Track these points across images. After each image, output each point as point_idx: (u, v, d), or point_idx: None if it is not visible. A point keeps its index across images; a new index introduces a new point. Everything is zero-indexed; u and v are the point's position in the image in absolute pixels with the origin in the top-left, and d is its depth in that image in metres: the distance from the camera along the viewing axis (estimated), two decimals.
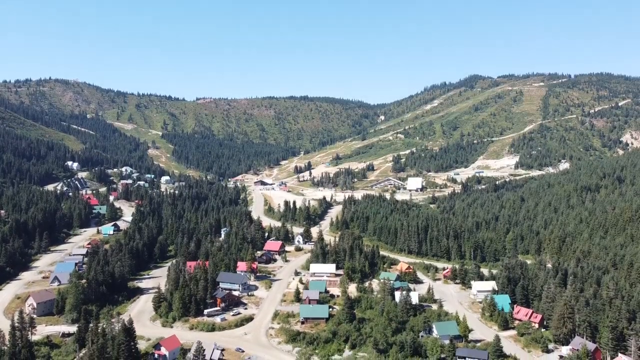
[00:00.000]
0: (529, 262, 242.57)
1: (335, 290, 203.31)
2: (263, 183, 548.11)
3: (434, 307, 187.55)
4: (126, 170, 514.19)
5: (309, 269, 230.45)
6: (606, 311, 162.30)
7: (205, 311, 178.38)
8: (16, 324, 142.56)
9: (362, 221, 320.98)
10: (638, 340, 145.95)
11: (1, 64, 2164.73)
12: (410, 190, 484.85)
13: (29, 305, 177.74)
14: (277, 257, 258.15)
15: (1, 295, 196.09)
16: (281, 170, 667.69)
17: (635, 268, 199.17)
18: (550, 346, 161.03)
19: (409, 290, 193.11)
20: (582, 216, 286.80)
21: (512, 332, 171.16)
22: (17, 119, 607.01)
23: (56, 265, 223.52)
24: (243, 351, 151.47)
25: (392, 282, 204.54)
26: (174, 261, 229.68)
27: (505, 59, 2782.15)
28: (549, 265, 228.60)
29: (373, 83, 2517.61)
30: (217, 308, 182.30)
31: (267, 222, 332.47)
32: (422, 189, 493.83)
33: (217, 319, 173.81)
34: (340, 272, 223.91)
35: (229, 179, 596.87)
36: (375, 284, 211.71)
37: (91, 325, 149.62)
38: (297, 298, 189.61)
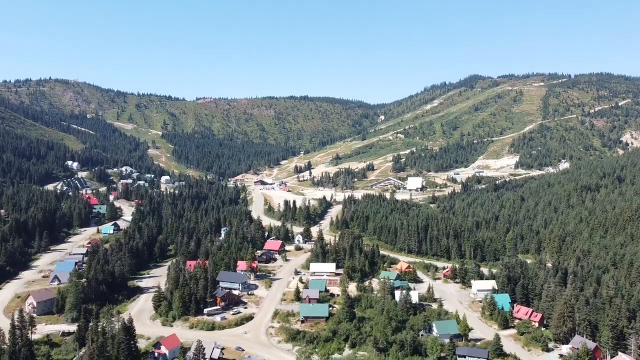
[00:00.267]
0: (529, 261, 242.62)
1: (335, 290, 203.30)
2: (263, 183, 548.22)
3: (434, 306, 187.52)
4: (126, 170, 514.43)
5: (309, 268, 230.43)
6: (606, 310, 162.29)
7: (205, 310, 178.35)
8: (16, 323, 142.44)
9: (362, 221, 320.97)
10: (638, 339, 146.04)
11: (1, 64, 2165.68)
12: (410, 190, 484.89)
13: (29, 304, 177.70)
14: (277, 256, 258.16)
15: (1, 295, 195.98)
16: (281, 170, 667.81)
17: (635, 267, 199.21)
18: (550, 345, 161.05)
19: (408, 289, 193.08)
20: (582, 215, 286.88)
21: (512, 331, 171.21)
22: (17, 118, 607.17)
23: (56, 264, 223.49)
24: (243, 350, 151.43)
25: (392, 281, 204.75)
26: (174, 260, 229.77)
27: (505, 59, 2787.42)
28: (549, 265, 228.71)
29: (373, 83, 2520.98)
30: (217, 307, 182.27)
31: (267, 221, 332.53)
32: (422, 188, 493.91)
33: (217, 318, 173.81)
34: (340, 271, 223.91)
35: (229, 179, 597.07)
36: (375, 283, 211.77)
37: (91, 324, 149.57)
38: (297, 297, 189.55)
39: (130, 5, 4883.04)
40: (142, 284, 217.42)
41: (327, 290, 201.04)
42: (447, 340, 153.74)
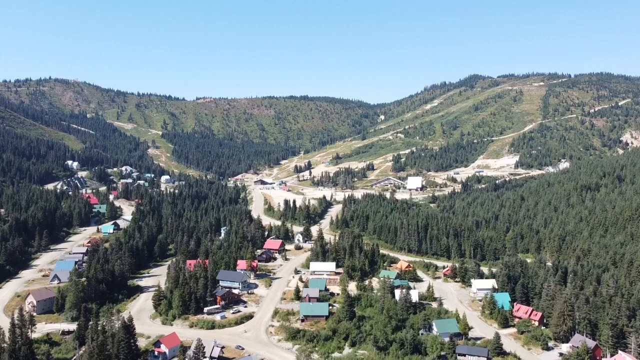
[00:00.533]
0: (528, 260, 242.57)
1: (335, 289, 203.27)
2: (263, 182, 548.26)
3: (434, 305, 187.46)
4: (126, 169, 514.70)
5: (309, 268, 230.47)
6: (606, 309, 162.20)
7: (205, 309, 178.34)
8: (16, 322, 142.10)
9: (362, 220, 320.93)
10: (638, 337, 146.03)
11: (1, 63, 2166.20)
12: (410, 190, 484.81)
13: (29, 303, 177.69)
14: (277, 255, 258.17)
15: (1, 293, 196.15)
16: (281, 169, 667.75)
17: (635, 266, 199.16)
18: (550, 344, 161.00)
19: (408, 288, 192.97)
20: (582, 215, 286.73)
21: (512, 330, 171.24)
22: (17, 118, 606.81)
23: (56, 263, 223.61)
24: (243, 349, 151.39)
25: (392, 280, 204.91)
26: (173, 259, 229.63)
27: (505, 58, 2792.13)
28: (549, 264, 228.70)
29: (373, 83, 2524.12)
30: (217, 306, 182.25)
31: (267, 221, 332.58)
32: (422, 188, 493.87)
33: (217, 317, 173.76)
34: (340, 270, 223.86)
35: (229, 179, 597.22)
36: (375, 282, 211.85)
37: (91, 322, 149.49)
38: (297, 296, 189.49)
39: (130, 5, 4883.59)
40: (142, 283, 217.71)
41: (327, 289, 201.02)
42: (447, 339, 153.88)
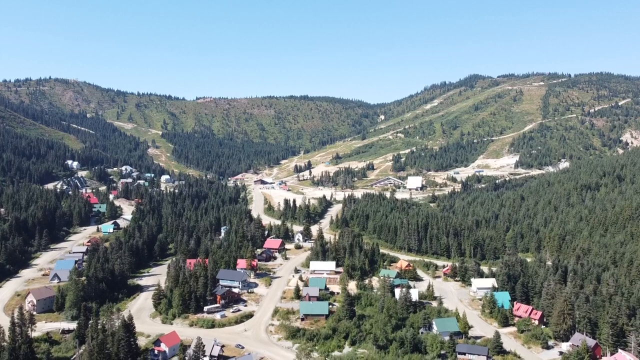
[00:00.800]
0: (528, 260, 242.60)
1: (335, 288, 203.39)
2: (263, 182, 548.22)
3: (434, 304, 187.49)
4: (126, 169, 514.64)
5: (308, 267, 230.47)
6: (606, 307, 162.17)
7: (205, 308, 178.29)
8: (16, 321, 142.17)
9: (362, 219, 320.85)
10: (638, 336, 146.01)
11: (1, 63, 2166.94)
12: (410, 189, 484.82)
13: (29, 302, 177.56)
14: (277, 255, 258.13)
15: (1, 293, 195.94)
16: (281, 169, 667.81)
17: (635, 265, 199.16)
18: (550, 342, 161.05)
19: (408, 287, 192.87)
20: (582, 214, 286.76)
21: (512, 329, 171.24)
22: (17, 118, 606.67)
23: (56, 262, 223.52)
24: (243, 347, 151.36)
25: (392, 279, 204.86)
26: (173, 259, 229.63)
27: (505, 58, 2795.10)
28: (549, 263, 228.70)
29: (373, 83, 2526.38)
30: (217, 305, 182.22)
31: (267, 220, 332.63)
32: (422, 188, 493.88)
33: (217, 316, 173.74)
34: (340, 269, 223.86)
35: (229, 178, 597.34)
36: (375, 281, 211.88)
37: (91, 321, 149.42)
38: (297, 295, 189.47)
39: (130, 5, 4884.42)
40: (142, 282, 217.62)
41: (327, 289, 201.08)
42: (447, 338, 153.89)
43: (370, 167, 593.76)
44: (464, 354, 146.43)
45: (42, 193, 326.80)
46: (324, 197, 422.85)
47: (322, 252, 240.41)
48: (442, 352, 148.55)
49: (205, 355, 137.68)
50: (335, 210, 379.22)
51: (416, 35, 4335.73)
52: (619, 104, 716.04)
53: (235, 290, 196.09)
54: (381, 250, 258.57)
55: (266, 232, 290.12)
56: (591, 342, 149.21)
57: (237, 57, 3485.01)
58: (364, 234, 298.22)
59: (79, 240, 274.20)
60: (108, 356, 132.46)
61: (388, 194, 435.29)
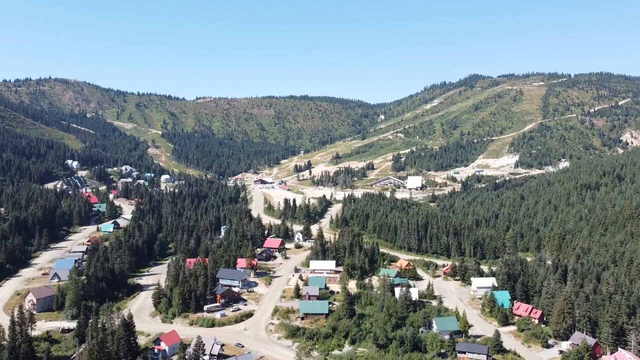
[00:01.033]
0: (528, 259, 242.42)
1: (335, 287, 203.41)
2: (263, 182, 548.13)
3: (434, 303, 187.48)
4: (126, 169, 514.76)
5: (308, 266, 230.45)
6: (606, 306, 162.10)
7: (205, 307, 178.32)
8: (16, 320, 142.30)
9: (362, 219, 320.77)
10: (638, 335, 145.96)
11: (1, 63, 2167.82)
12: (410, 189, 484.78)
13: (29, 301, 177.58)
14: (277, 254, 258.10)
15: (1, 292, 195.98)
16: (281, 169, 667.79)
17: (635, 265, 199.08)
18: (550, 341, 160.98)
19: (408, 286, 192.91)
20: (582, 214, 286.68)
21: (512, 328, 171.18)
22: (17, 117, 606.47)
23: (56, 262, 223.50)
24: (243, 346, 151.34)
25: (391, 278, 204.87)
26: (173, 258, 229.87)
27: (505, 58, 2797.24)
28: (549, 262, 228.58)
29: (373, 83, 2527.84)
30: (217, 304, 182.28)
31: (267, 220, 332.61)
32: (422, 187, 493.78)
33: (217, 315, 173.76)
34: (340, 269, 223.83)
35: (229, 178, 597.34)
36: (375, 280, 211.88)
37: (91, 320, 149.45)
38: (297, 294, 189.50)
39: (130, 5, 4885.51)
40: (142, 281, 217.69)
41: (327, 288, 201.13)
42: (447, 337, 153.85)
43: (370, 167, 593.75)
44: (464, 352, 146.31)
45: (42, 192, 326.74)
46: (324, 196, 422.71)
47: (322, 251, 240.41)
48: (442, 350, 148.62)
49: (205, 354, 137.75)
50: (335, 210, 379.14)
51: (416, 35, 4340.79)
52: (619, 103, 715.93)
53: (235, 290, 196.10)
54: (381, 250, 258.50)
55: (266, 232, 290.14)
56: (591, 340, 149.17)
57: (237, 57, 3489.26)
58: (364, 234, 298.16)
59: (79, 239, 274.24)
60: (108, 355, 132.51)
61: (388, 194, 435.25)
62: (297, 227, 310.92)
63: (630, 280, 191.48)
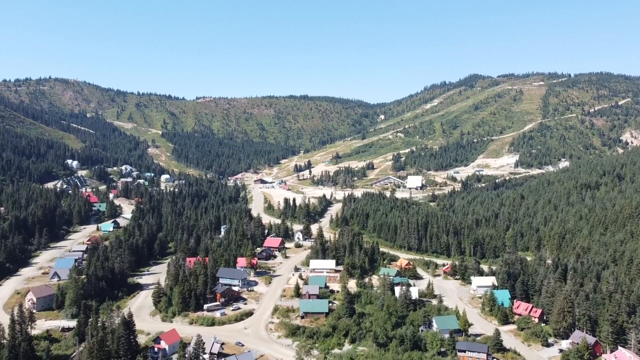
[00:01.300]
0: (528, 258, 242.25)
1: (335, 286, 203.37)
2: (263, 181, 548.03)
3: (434, 302, 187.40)
4: (126, 168, 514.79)
5: (308, 265, 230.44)
6: (606, 305, 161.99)
7: (205, 306, 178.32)
8: (16, 318, 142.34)
9: (362, 218, 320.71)
10: (638, 333, 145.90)
11: (1, 63, 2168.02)
12: (410, 189, 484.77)
13: (29, 300, 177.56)
14: (276, 253, 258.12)
15: (1, 291, 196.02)
16: (281, 169, 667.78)
17: (635, 264, 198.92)
18: (550, 340, 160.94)
19: (408, 285, 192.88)
20: (582, 213, 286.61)
21: (512, 327, 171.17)
22: (17, 117, 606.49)
23: (56, 261, 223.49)
24: (243, 345, 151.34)
25: (391, 277, 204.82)
26: (173, 257, 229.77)
27: (505, 58, 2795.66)
28: (549, 261, 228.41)
29: (373, 82, 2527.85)
30: (217, 303, 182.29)
31: (267, 219, 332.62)
32: (422, 187, 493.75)
33: (217, 314, 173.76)
34: (340, 268, 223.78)
35: (229, 178, 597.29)
36: (375, 279, 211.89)
37: (91, 319, 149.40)
38: (297, 293, 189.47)
39: (130, 5, 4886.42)
40: (142, 280, 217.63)
41: (326, 287, 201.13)
42: (447, 336, 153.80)
43: (370, 167, 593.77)
44: (464, 351, 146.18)
45: (42, 192, 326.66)
46: (324, 196, 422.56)
47: (322, 250, 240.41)
48: (442, 349, 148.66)
49: (205, 353, 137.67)
50: (335, 210, 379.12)
51: (416, 35, 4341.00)
52: (619, 103, 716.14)
53: (235, 289, 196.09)
54: (381, 249, 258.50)
55: (266, 231, 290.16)
56: (591, 339, 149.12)
57: (237, 57, 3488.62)
58: (364, 233, 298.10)
59: (79, 239, 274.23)
60: (108, 353, 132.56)
61: (388, 193, 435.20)
62: (297, 227, 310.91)
63: (630, 279, 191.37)
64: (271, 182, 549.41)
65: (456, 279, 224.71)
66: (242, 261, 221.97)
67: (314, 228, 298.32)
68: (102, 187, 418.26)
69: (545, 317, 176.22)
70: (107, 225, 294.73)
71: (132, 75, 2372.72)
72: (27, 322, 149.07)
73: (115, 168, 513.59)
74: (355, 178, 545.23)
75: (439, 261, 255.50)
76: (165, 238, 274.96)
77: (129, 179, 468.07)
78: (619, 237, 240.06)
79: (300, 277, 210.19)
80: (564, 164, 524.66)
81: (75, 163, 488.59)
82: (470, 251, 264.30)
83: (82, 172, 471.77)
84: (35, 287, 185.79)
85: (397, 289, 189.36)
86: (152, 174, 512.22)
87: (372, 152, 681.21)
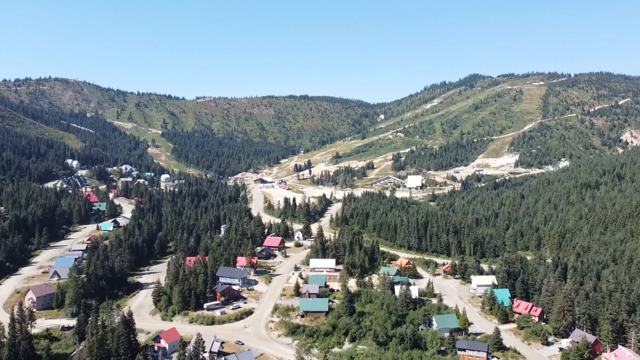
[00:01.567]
0: (528, 258, 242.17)
1: (335, 285, 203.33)
2: (263, 181, 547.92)
3: (434, 301, 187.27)
4: (126, 168, 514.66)
5: (308, 264, 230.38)
6: (606, 304, 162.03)
7: (205, 305, 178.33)
8: (16, 317, 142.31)
9: (362, 218, 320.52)
10: (638, 332, 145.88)
11: (1, 63, 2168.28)
12: (410, 188, 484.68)
13: (29, 299, 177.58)
14: (276, 252, 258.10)
15: (1, 290, 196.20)
16: (281, 168, 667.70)
17: (635, 263, 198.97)
18: (550, 339, 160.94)
19: (408, 284, 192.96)
20: (582, 212, 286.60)
21: (512, 326, 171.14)
22: (17, 117, 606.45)
23: (56, 260, 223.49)
24: (243, 344, 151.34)
25: (391, 276, 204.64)
26: (173, 256, 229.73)
27: (505, 58, 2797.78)
28: (549, 261, 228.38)
29: (373, 82, 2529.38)
30: (217, 302, 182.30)
31: (267, 219, 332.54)
32: (422, 187, 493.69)
33: (217, 313, 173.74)
34: (340, 267, 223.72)
35: (229, 177, 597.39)
36: (375, 278, 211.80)
37: (91, 318, 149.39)
38: (297, 292, 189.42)
39: (130, 5, 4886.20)
40: (142, 279, 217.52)
41: (326, 286, 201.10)
42: (447, 334, 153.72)
43: (370, 166, 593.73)
44: (464, 350, 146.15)
45: (42, 192, 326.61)
46: (324, 196, 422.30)
47: (322, 249, 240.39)
48: (442, 348, 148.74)
49: (205, 352, 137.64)
50: (335, 209, 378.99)
51: (416, 35, 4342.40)
52: (619, 103, 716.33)
53: (235, 288, 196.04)
54: (381, 248, 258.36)
55: (266, 230, 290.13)
56: (591, 338, 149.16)
57: (237, 57, 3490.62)
58: (364, 232, 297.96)
59: (79, 238, 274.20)
60: (108, 352, 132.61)
61: (388, 193, 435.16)
62: (297, 226, 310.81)
63: (630, 278, 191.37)
64: (271, 182, 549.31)
65: (456, 278, 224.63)
66: (242, 260, 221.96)
67: (314, 227, 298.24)
68: (102, 187, 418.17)
69: (545, 316, 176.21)
70: (107, 225, 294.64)
71: (132, 75, 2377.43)
72: (27, 321, 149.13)
73: (115, 168, 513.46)
74: (355, 178, 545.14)
75: (439, 260, 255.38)
76: (165, 237, 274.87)
77: (129, 179, 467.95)
78: (619, 237, 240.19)
79: (300, 276, 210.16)
80: (564, 163, 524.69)
81: (75, 163, 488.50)
82: (470, 250, 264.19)
83: (82, 172, 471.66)
84: (35, 286, 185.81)
85: (397, 288, 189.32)
86: (152, 174, 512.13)
87: (372, 152, 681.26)
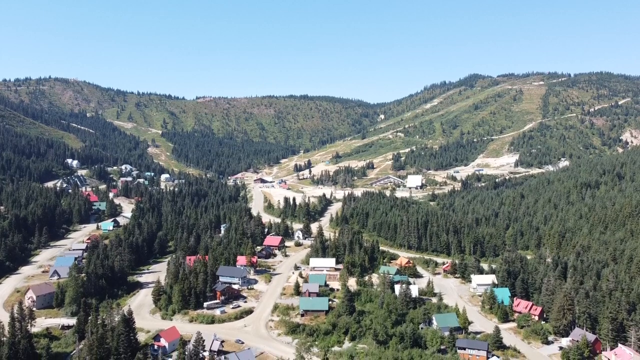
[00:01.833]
0: (528, 257, 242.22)
1: (335, 284, 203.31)
2: (263, 181, 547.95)
3: (434, 300, 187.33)
4: (126, 168, 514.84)
5: (308, 264, 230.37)
6: (606, 303, 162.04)
7: (205, 304, 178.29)
8: (15, 316, 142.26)
9: (362, 217, 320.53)
10: (638, 331, 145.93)
11: (1, 63, 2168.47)
12: (410, 188, 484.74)
13: (29, 298, 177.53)
14: (276, 252, 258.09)
15: (1, 289, 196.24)
16: (281, 168, 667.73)
17: (635, 262, 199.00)
18: (550, 338, 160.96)
19: (408, 283, 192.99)
20: (582, 212, 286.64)
21: (512, 324, 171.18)
22: (17, 117, 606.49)
23: (56, 259, 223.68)
24: (243, 342, 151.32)
25: (391, 275, 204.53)
26: (173, 255, 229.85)
27: (505, 58, 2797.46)
28: (549, 260, 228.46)
29: (373, 82, 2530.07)
30: (217, 301, 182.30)
31: (267, 218, 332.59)
32: (422, 186, 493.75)
33: (217, 312, 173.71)
34: (340, 266, 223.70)
35: (229, 177, 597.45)
36: (375, 277, 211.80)
37: (91, 317, 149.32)
38: (297, 291, 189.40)
39: (130, 5, 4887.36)
40: (142, 279, 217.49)
41: (326, 285, 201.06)
42: (447, 333, 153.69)
43: (370, 166, 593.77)
44: (464, 349, 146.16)
45: (41, 191, 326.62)
46: (324, 195, 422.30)
47: (322, 249, 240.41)
48: (442, 347, 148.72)
49: (205, 350, 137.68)
50: (335, 209, 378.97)
51: (416, 35, 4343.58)
52: (619, 103, 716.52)
53: (235, 287, 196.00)
54: (381, 248, 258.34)
55: (266, 230, 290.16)
56: (591, 337, 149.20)
57: (237, 57, 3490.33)
58: (364, 232, 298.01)
59: (79, 237, 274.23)
60: (108, 351, 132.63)
61: (388, 193, 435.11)
62: (297, 226, 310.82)
63: (630, 277, 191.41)
64: (271, 182, 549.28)
65: (456, 277, 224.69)
66: (242, 259, 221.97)
67: (314, 227, 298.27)
68: (102, 187, 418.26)
69: (545, 315, 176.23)
70: (107, 224, 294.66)
71: (132, 75, 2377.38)
72: (27, 319, 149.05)
73: (115, 167, 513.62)
74: (355, 177, 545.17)
75: (439, 260, 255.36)
76: (165, 237, 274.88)
77: (129, 178, 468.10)
78: (619, 236, 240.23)
79: (300, 275, 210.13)
80: (563, 163, 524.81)
81: (75, 162, 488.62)
82: (470, 250, 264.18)
83: (82, 172, 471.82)
84: (35, 285, 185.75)
85: (397, 287, 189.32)
86: (152, 174, 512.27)
87: (372, 152, 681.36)
